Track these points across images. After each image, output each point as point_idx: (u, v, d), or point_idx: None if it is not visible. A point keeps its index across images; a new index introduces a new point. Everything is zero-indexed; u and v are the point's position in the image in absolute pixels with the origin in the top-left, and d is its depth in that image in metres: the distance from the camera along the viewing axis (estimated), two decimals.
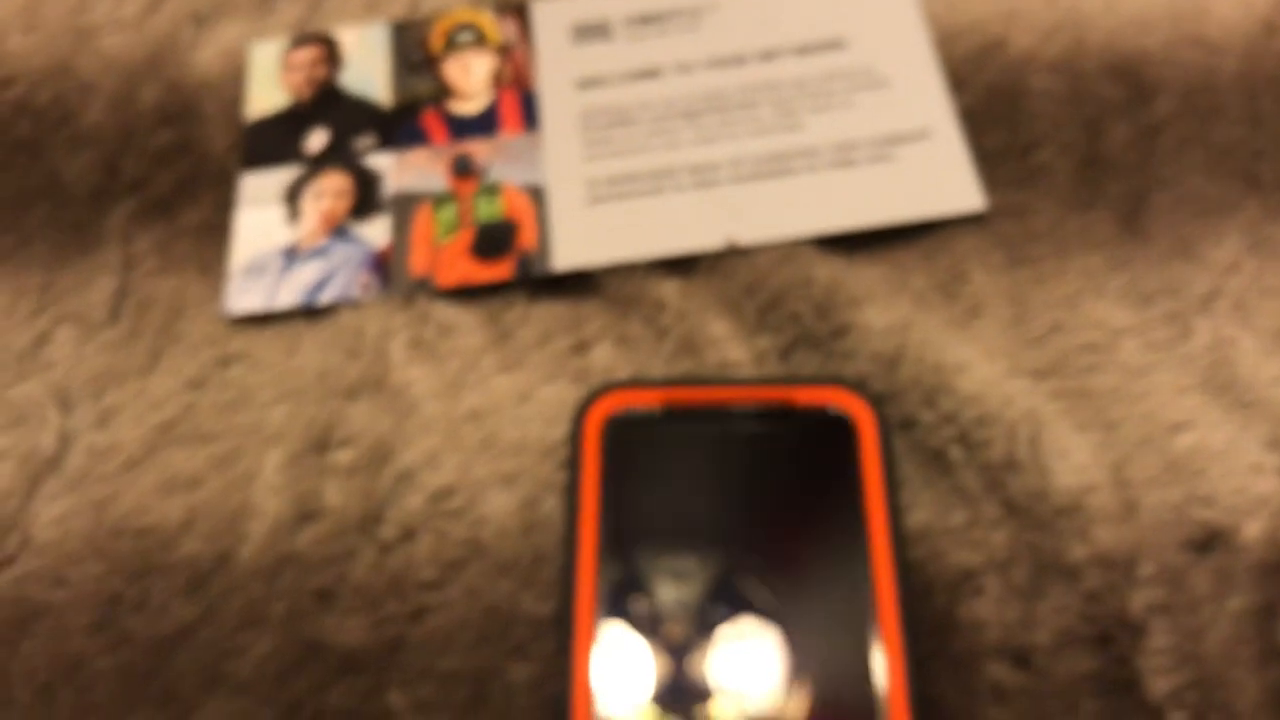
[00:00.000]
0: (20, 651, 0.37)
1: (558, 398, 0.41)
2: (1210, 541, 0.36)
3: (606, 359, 0.42)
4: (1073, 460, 0.37)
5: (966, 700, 0.34)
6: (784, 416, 0.38)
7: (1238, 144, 0.44)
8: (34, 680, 0.37)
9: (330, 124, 0.49)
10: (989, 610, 0.35)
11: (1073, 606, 0.35)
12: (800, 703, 0.34)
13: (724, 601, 0.35)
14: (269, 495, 0.39)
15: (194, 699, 0.36)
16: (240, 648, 0.37)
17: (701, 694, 0.34)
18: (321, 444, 0.40)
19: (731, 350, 0.41)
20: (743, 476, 0.38)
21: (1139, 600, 0.34)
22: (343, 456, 0.40)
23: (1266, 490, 0.36)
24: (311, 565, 0.38)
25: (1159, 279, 0.41)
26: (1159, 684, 0.33)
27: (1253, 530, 0.36)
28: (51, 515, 0.40)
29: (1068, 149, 0.45)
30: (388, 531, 0.38)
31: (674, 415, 0.39)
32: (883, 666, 0.33)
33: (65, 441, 0.41)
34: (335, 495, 0.39)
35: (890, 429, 0.38)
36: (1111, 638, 0.34)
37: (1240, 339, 0.40)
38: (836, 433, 0.38)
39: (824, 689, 0.34)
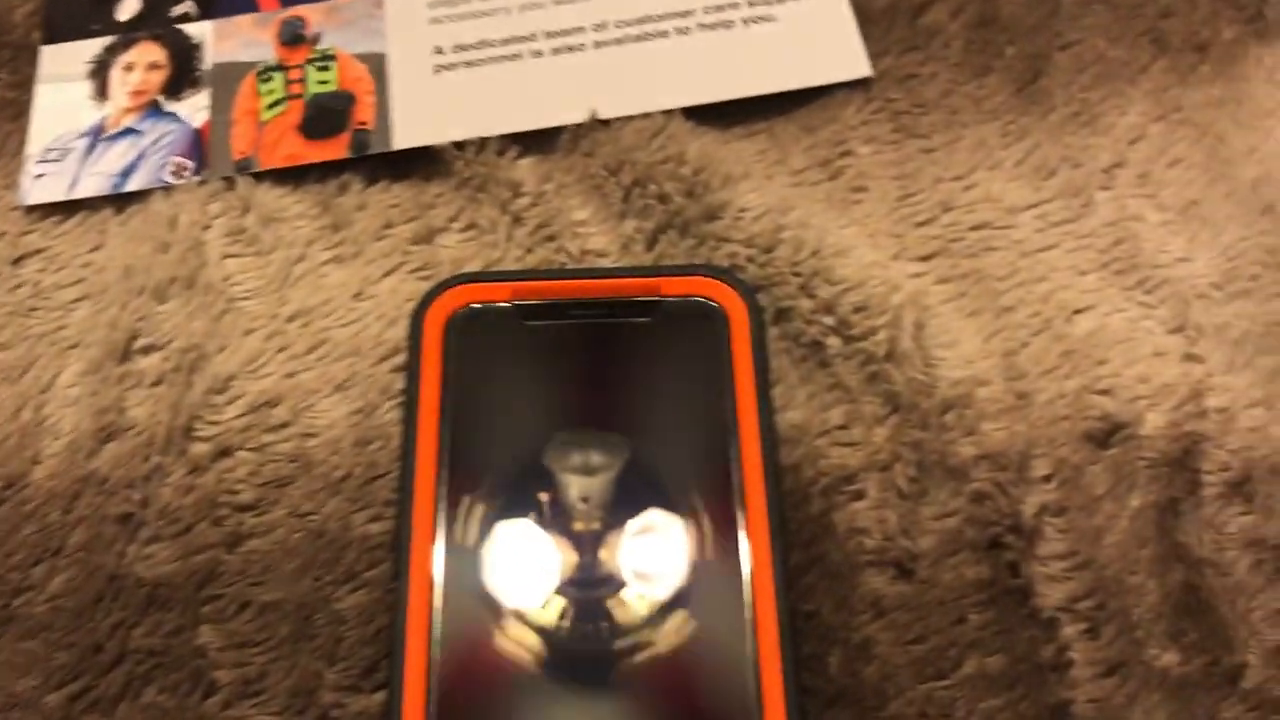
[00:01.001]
0: None
1: (399, 293, 0.36)
2: (1110, 435, 0.33)
3: (455, 249, 0.37)
4: (961, 350, 0.34)
5: (844, 614, 0.31)
6: (649, 309, 0.34)
7: (1144, 2, 0.40)
8: None
9: None
10: (869, 516, 0.32)
11: (960, 510, 0.32)
12: (667, 620, 0.30)
13: (581, 510, 0.32)
14: (66, 409, 0.35)
15: None
16: (32, 583, 0.32)
17: (551, 598, 0.30)
18: (125, 350, 0.35)
19: (595, 237, 0.37)
20: (602, 376, 0.34)
21: (1032, 501, 0.31)
22: (149, 364, 0.35)
23: (1170, 378, 0.33)
24: (113, 487, 0.33)
25: (1058, 150, 0.38)
26: (1052, 593, 0.30)
27: (1155, 421, 0.33)
28: None
29: (960, 10, 0.41)
30: (199, 448, 0.34)
31: (527, 311, 0.35)
32: (751, 580, 0.30)
33: None
34: (140, 408, 0.34)
35: (763, 320, 0.34)
36: (1001, 543, 0.31)
37: (1145, 214, 0.36)
38: (705, 325, 0.34)
39: (690, 606, 0.30)
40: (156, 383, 0.35)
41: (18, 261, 0.37)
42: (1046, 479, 0.32)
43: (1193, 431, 0.32)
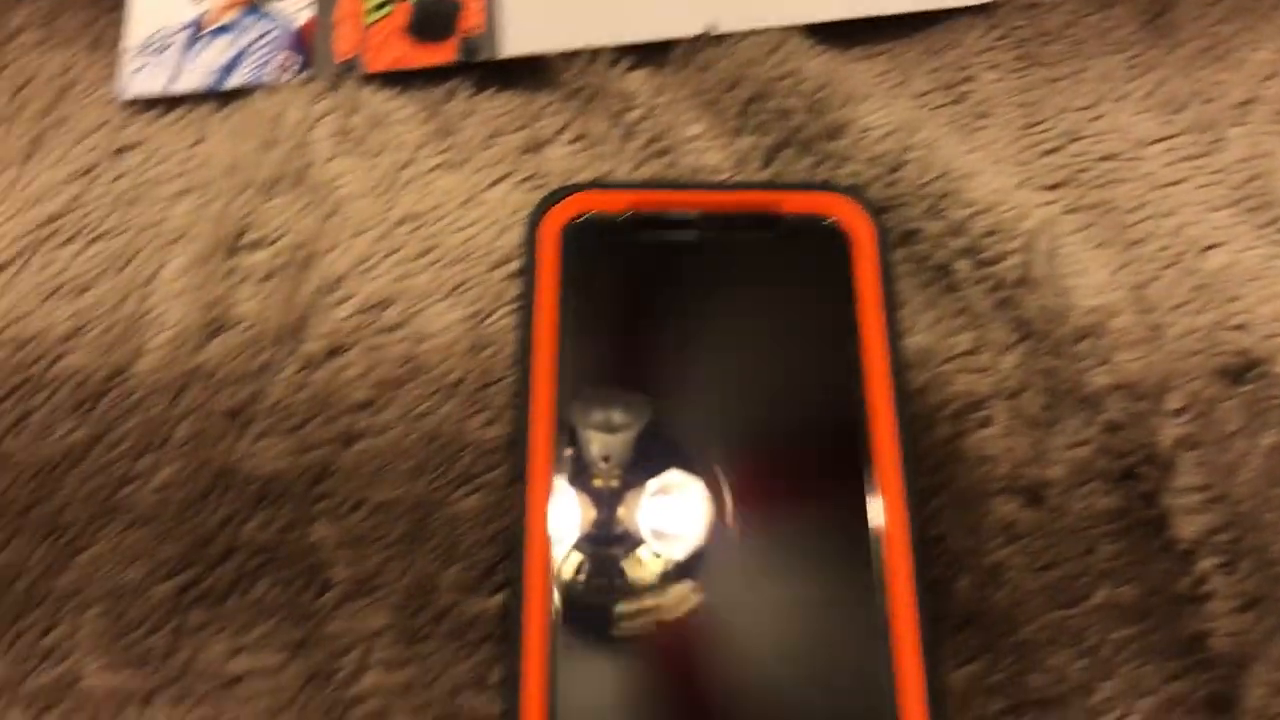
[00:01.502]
0: None
1: (508, 202, 0.36)
2: (1244, 371, 0.32)
3: (564, 160, 0.36)
4: (1092, 279, 0.33)
5: (973, 540, 0.30)
6: (769, 225, 0.34)
7: None
8: None
9: None
10: (998, 443, 0.31)
11: (1092, 439, 0.31)
12: (792, 540, 0.30)
13: (697, 428, 0.31)
14: (171, 302, 0.34)
15: (84, 531, 0.31)
16: (139, 474, 0.32)
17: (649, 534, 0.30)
18: (232, 245, 0.34)
19: (709, 153, 0.36)
20: (720, 293, 0.33)
21: (1167, 433, 0.31)
22: (258, 259, 0.34)
23: None
24: (222, 381, 0.33)
25: (1188, 84, 0.37)
26: (1188, 525, 0.30)
27: None
28: None
29: None
30: (311, 345, 0.33)
31: (643, 222, 0.34)
32: (879, 504, 0.30)
33: None
34: (250, 303, 0.34)
35: (889, 241, 0.33)
36: (1135, 473, 0.31)
37: (1278, 152, 0.35)
38: (829, 244, 0.33)
39: (815, 528, 0.30)
40: (266, 278, 0.34)
41: (119, 152, 0.37)
42: (1180, 412, 0.31)
43: None
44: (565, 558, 0.29)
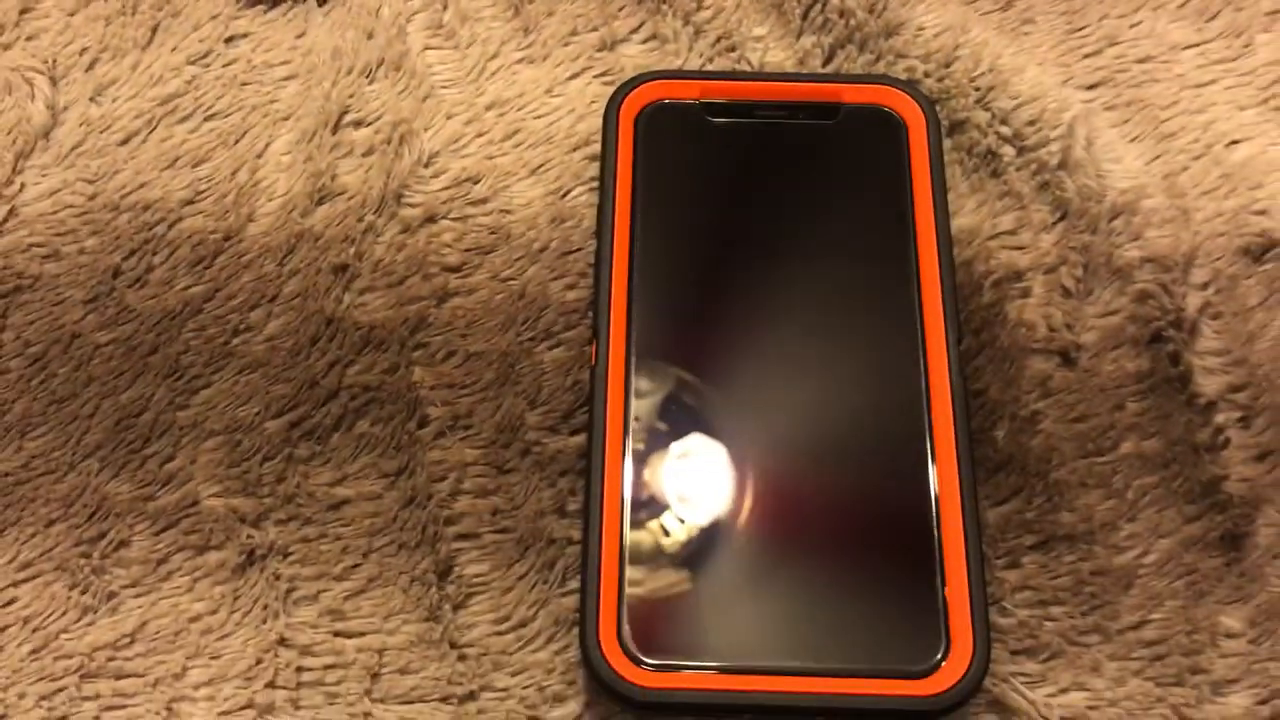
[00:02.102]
0: (9, 323, 0.35)
1: (586, 93, 0.39)
2: (1265, 251, 0.35)
3: (637, 57, 0.39)
4: (1127, 166, 0.36)
5: (1011, 392, 0.33)
6: (831, 114, 0.36)
7: None
8: (25, 351, 0.35)
9: None
10: (1036, 311, 0.34)
11: (1123, 308, 0.34)
12: (848, 390, 0.33)
13: (759, 292, 0.34)
14: (280, 174, 0.37)
15: (201, 374, 0.35)
16: (251, 324, 0.35)
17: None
18: (337, 123, 0.38)
19: (773, 50, 0.39)
20: (784, 174, 0.36)
21: (1192, 300, 0.34)
22: (360, 136, 0.37)
23: None
24: (327, 243, 0.36)
25: None
26: (1210, 382, 0.33)
27: None
28: (41, 188, 0.37)
29: None
30: (409, 213, 0.36)
31: (713, 109, 0.37)
32: (925, 355, 0.33)
33: (56, 113, 0.38)
34: (352, 175, 0.37)
35: (941, 131, 0.36)
36: (1162, 336, 0.34)
37: None
38: (885, 132, 0.36)
39: (868, 380, 0.33)
40: (368, 153, 0.37)
41: (229, 40, 0.40)
42: (1205, 284, 0.34)
43: None
44: (639, 404, 0.32)
